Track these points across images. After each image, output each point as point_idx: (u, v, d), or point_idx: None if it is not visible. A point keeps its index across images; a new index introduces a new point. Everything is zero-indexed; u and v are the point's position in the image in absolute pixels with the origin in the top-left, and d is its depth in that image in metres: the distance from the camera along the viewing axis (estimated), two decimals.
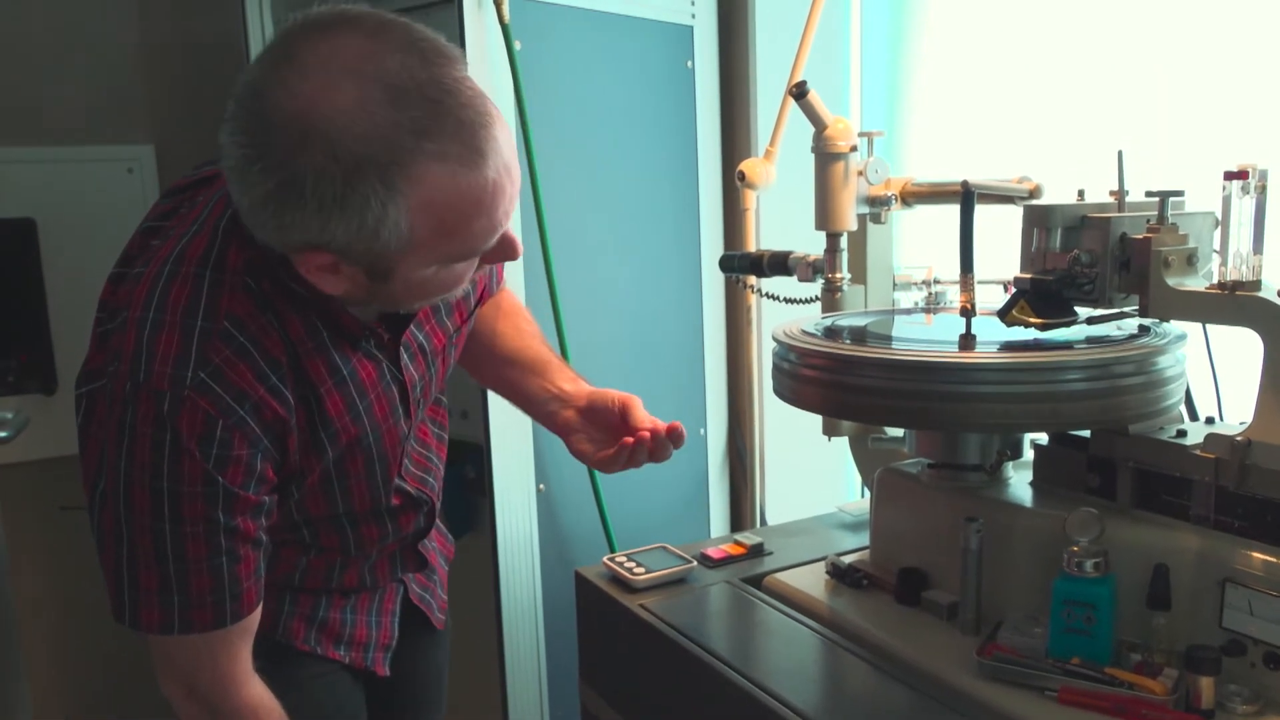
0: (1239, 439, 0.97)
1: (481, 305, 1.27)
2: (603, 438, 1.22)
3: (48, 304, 2.16)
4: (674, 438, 1.17)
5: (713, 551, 1.38)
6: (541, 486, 1.77)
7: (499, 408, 1.67)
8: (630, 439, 1.17)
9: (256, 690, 1.04)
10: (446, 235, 0.87)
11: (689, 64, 1.92)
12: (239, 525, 0.95)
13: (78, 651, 2.30)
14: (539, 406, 1.27)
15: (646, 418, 1.19)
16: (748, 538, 1.42)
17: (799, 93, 1.38)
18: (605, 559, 1.36)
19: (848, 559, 1.29)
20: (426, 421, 1.24)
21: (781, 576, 1.30)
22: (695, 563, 1.34)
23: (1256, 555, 0.95)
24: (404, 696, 1.35)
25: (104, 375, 0.95)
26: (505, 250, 0.95)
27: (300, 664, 1.18)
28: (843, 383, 1.12)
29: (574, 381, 1.26)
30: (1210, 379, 1.21)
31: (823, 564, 1.30)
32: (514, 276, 1.63)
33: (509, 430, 1.70)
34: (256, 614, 1.01)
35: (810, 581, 1.27)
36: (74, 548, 2.19)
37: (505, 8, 1.60)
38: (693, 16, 1.91)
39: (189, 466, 0.91)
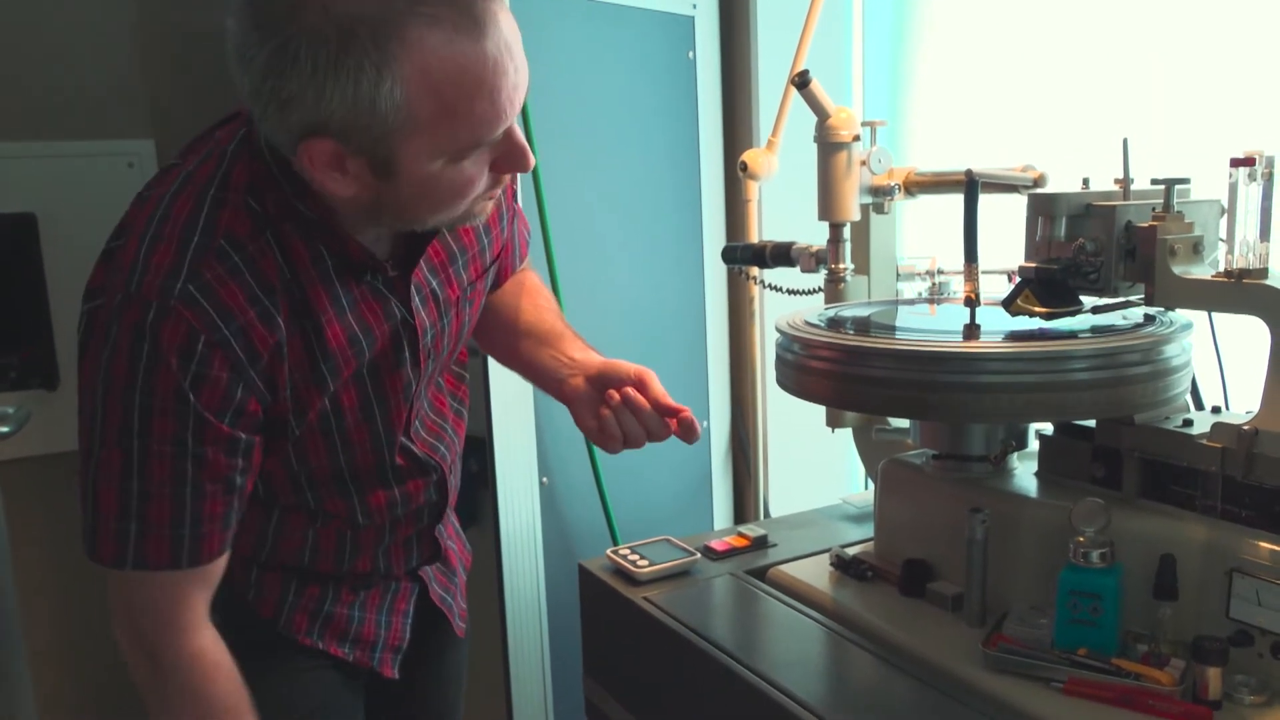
0: (1246, 428, 0.97)
1: (502, 270, 1.25)
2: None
3: (49, 299, 2.16)
4: (684, 429, 1.11)
5: (716, 544, 1.38)
6: (544, 480, 1.76)
7: (501, 401, 1.66)
8: (615, 394, 1.12)
9: (204, 643, 0.99)
10: (447, 115, 0.85)
11: (690, 55, 1.91)
12: (208, 455, 0.93)
13: (80, 646, 2.29)
14: (549, 376, 1.23)
15: (661, 393, 1.13)
16: (751, 530, 1.41)
17: (801, 82, 1.37)
18: (608, 552, 1.36)
19: (852, 551, 1.28)
20: (444, 393, 1.22)
21: (785, 569, 1.30)
22: (699, 555, 1.34)
23: (1264, 545, 0.95)
24: (416, 703, 1.33)
25: (104, 292, 0.94)
26: (515, 156, 0.93)
27: (293, 654, 1.16)
28: (847, 373, 1.11)
29: (585, 351, 1.23)
30: (1216, 368, 1.21)
31: (827, 556, 1.29)
32: None
33: (512, 423, 1.70)
34: (218, 567, 0.98)
35: (814, 573, 1.27)
36: (76, 544, 2.19)
37: None
38: (694, 7, 1.91)
39: (164, 378, 0.89)
